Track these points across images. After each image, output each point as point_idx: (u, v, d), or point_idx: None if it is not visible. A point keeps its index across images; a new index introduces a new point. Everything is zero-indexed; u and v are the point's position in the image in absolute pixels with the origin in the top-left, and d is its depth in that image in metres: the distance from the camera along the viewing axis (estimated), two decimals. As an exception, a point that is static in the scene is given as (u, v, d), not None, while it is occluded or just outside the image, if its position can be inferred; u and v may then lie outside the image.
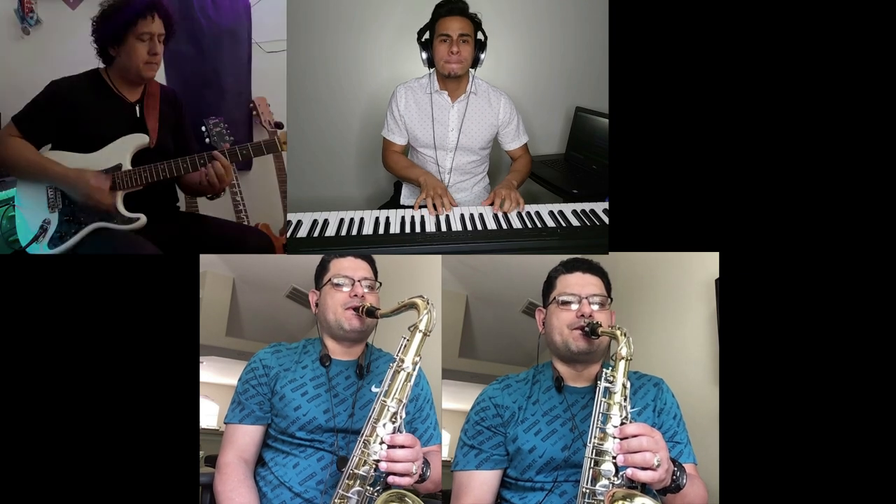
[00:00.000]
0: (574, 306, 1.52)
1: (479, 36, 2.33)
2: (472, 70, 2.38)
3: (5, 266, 1.86)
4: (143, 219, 2.03)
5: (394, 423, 1.41)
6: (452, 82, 2.36)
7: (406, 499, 1.38)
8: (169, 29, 2.09)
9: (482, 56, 2.35)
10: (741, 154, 1.83)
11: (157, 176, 2.04)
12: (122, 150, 2.06)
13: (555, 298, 1.55)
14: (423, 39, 2.37)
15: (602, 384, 1.38)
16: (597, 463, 1.33)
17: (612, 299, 1.57)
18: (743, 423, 1.75)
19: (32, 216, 2.06)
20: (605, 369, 1.39)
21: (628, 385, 1.37)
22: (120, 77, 2.11)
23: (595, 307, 1.52)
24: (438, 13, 2.32)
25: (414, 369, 1.44)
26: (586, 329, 1.48)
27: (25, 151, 2.01)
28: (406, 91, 2.41)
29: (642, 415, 1.51)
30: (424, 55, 2.36)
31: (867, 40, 1.79)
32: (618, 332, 1.41)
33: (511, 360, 2.26)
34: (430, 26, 2.34)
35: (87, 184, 1.98)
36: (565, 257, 1.63)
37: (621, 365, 1.37)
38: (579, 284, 1.54)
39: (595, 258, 1.62)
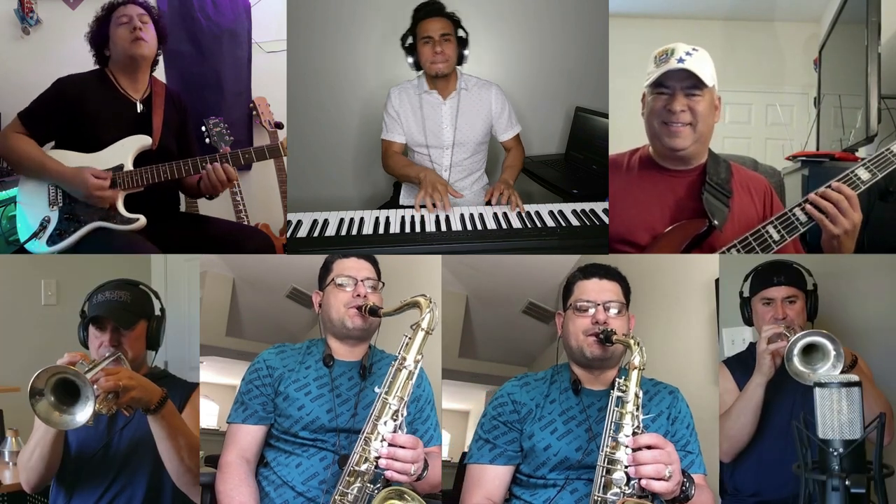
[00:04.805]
0: (590, 312, 1.53)
1: (461, 34, 2.39)
2: (458, 67, 2.43)
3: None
4: (142, 220, 2.03)
5: (395, 420, 1.41)
6: (441, 81, 2.40)
7: (405, 496, 1.37)
8: (149, 9, 2.13)
9: (466, 53, 2.41)
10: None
11: (158, 177, 2.04)
12: (124, 151, 2.06)
13: (572, 304, 1.56)
14: (406, 44, 2.43)
15: (615, 393, 1.40)
16: (608, 472, 1.35)
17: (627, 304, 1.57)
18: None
19: (33, 213, 2.06)
20: (618, 379, 1.41)
21: (640, 395, 1.39)
22: (121, 71, 2.12)
23: (612, 313, 1.52)
24: (417, 16, 2.38)
25: (416, 368, 1.44)
26: (601, 336, 1.48)
27: (28, 147, 2.01)
28: (399, 92, 2.46)
29: (656, 422, 1.52)
30: (410, 59, 2.43)
31: None
32: (631, 342, 1.42)
33: (511, 360, 2.26)
34: (412, 30, 2.39)
35: (85, 182, 1.98)
36: (566, 257, 1.63)
37: (634, 374, 1.39)
38: (595, 291, 1.55)
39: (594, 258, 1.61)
